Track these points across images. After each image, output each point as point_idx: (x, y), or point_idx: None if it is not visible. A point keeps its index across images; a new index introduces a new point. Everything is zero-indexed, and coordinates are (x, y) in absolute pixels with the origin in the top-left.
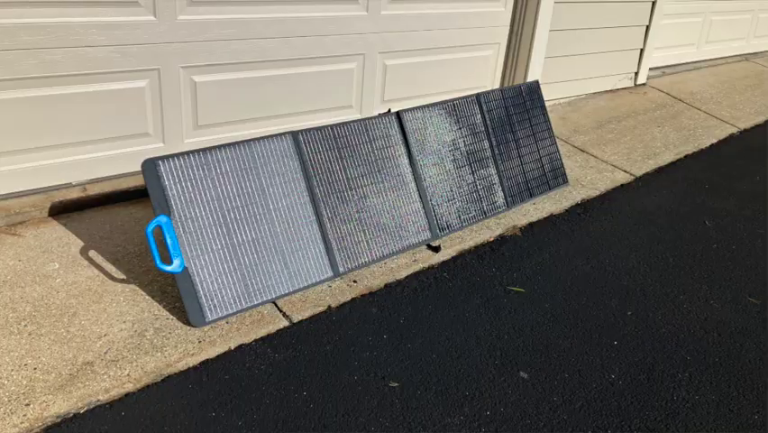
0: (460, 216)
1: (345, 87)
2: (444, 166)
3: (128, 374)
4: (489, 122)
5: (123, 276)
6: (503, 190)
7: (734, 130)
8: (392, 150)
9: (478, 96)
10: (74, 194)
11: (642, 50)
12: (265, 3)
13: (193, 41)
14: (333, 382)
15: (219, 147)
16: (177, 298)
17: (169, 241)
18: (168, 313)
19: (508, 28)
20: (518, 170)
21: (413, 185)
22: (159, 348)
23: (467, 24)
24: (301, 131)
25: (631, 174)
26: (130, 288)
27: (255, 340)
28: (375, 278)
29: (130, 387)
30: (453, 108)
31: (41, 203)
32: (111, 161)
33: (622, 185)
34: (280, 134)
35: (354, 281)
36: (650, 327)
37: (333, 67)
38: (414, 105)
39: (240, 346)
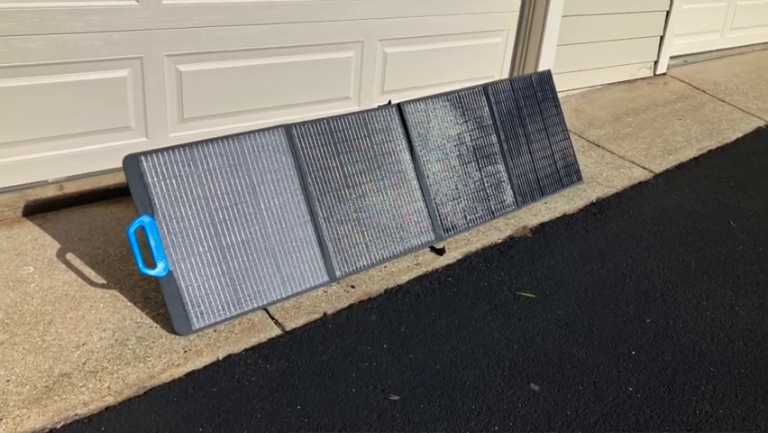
0: (466, 216)
1: (342, 77)
2: (449, 162)
3: (108, 387)
4: (497, 115)
5: (102, 281)
6: (512, 188)
7: (761, 123)
8: (393, 144)
9: (485, 86)
10: (50, 192)
11: (662, 38)
12: None
13: (178, 28)
14: (330, 394)
15: (206, 142)
16: (161, 304)
17: (152, 243)
18: (151, 321)
19: (518, 13)
20: (529, 167)
21: (415, 182)
22: (141, 358)
23: (473, 9)
24: (295, 124)
25: (650, 171)
26: (110, 293)
27: (245, 350)
28: (374, 282)
29: (110, 400)
30: (459, 100)
31: (14, 202)
32: (90, 156)
33: (640, 182)
34: (272, 128)
35: (352, 286)
36: (670, 336)
37: (329, 55)
38: (416, 96)
39: (229, 357)
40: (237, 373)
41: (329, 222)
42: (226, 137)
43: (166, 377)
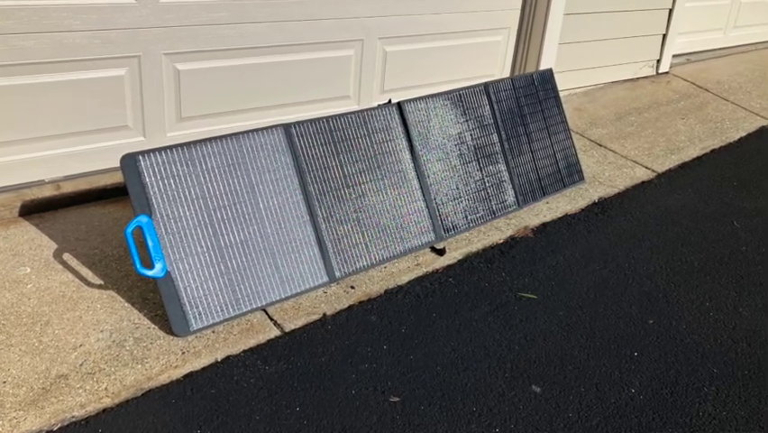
0: (466, 216)
1: (342, 76)
2: (450, 161)
3: (105, 388)
4: (498, 113)
5: (100, 281)
6: (513, 188)
7: (765, 122)
8: (393, 144)
9: (486, 85)
10: (47, 192)
11: (664, 36)
12: None
13: (177, 26)
14: (329, 396)
15: (205, 141)
16: (159, 305)
17: (149, 243)
18: (149, 321)
19: (519, 11)
20: (530, 166)
21: (415, 182)
22: (139, 360)
23: (474, 7)
24: (294, 123)
25: (652, 170)
26: (107, 294)
27: (244, 351)
28: (374, 283)
29: (107, 402)
30: (459, 99)
31: (10, 202)
32: (87, 156)
33: (643, 182)
34: (271, 127)
35: (352, 287)
36: (673, 337)
37: (328, 54)
38: (416, 95)
39: (227, 358)
40: (236, 375)
41: (328, 222)
42: (225, 136)
43: (164, 379)
